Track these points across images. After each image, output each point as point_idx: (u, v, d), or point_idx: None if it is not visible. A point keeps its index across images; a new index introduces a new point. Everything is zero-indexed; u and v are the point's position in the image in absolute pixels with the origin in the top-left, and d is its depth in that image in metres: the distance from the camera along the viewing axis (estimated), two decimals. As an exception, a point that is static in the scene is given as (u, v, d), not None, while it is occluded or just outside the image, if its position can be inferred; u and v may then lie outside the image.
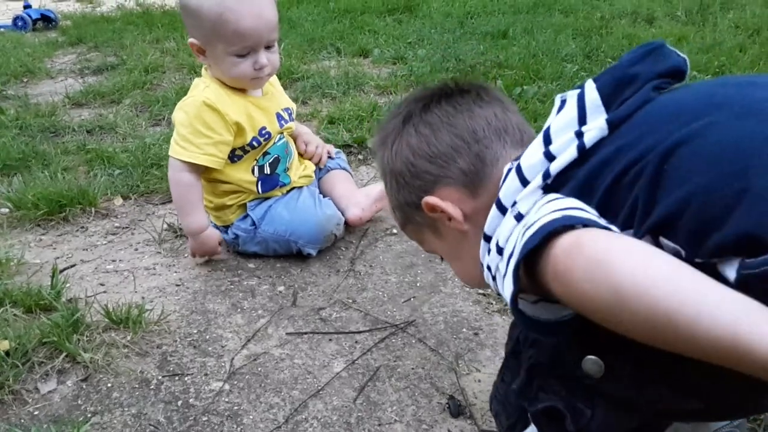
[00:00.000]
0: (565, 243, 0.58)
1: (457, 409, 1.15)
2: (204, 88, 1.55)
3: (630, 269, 0.53)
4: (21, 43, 4.19)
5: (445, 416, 1.14)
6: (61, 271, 1.55)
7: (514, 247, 0.64)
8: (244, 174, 1.62)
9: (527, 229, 0.62)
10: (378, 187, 1.78)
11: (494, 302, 1.45)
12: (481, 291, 1.48)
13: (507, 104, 0.88)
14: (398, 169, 0.86)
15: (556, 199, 0.66)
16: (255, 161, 1.62)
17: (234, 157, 1.59)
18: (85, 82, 3.28)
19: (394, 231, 1.75)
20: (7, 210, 1.85)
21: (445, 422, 1.13)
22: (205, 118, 1.50)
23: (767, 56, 3.26)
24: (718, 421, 0.92)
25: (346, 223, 1.68)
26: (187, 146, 1.51)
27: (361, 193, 1.77)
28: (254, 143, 1.59)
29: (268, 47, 1.54)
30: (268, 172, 1.65)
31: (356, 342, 1.33)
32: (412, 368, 1.26)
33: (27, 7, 4.85)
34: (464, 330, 1.36)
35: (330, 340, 1.34)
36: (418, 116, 0.85)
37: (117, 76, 3.29)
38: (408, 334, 1.35)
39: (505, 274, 0.65)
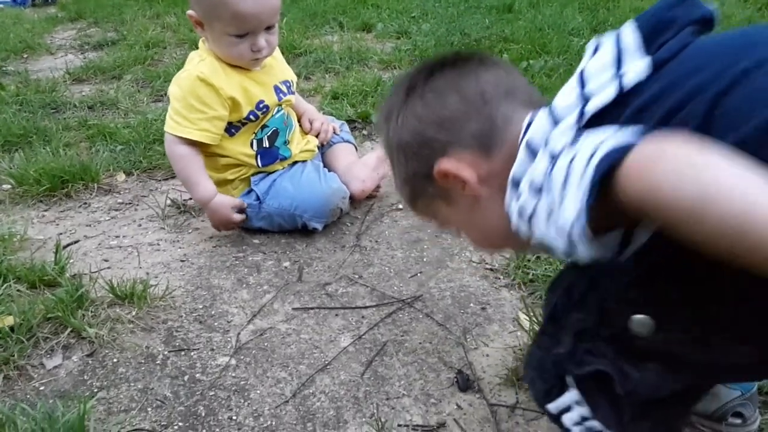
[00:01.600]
0: (646, 151, 0.56)
1: (465, 383, 1.14)
2: (199, 62, 1.53)
3: (718, 169, 0.52)
4: (20, 19, 4.15)
5: (453, 390, 1.13)
6: (65, 247, 1.54)
7: (566, 176, 0.61)
8: (242, 147, 1.60)
9: (593, 152, 0.59)
10: (374, 155, 1.77)
11: (501, 277, 1.43)
12: (488, 266, 1.47)
13: (511, 68, 0.86)
14: (405, 140, 0.84)
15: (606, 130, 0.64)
16: (254, 134, 1.61)
17: (232, 129, 1.58)
18: (86, 57, 3.25)
19: (400, 206, 1.74)
20: (9, 186, 1.84)
21: (454, 396, 1.12)
22: (199, 93, 1.48)
23: (777, 29, 3.21)
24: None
25: (351, 197, 1.66)
26: (181, 121, 1.49)
27: (359, 165, 1.75)
28: (251, 117, 1.57)
29: (267, 28, 1.51)
30: (267, 146, 1.63)
31: (363, 317, 1.32)
32: (420, 343, 1.25)
33: (26, -18, 4.80)
34: (472, 305, 1.35)
35: (336, 315, 1.33)
36: (422, 85, 0.82)
37: (117, 51, 3.26)
38: (415, 309, 1.34)
39: (552, 210, 0.63)
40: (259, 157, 1.62)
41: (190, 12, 1.50)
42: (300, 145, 1.72)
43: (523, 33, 3.19)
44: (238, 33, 1.47)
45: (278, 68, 1.67)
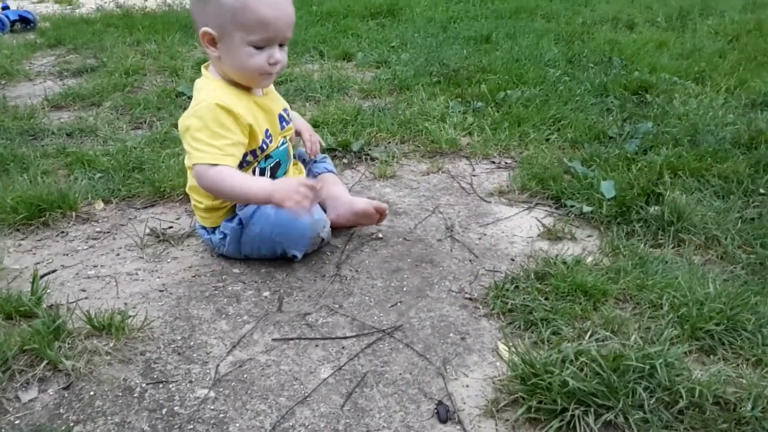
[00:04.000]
0: None
1: (445, 414, 1.14)
2: (212, 90, 1.51)
3: None
4: (-2, 45, 4.12)
5: (433, 422, 1.13)
6: (42, 277, 1.53)
7: None
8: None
9: None
10: (369, 205, 1.70)
11: (481, 307, 1.44)
12: (468, 295, 1.48)
13: None
14: None
15: None
16: (257, 164, 1.60)
17: (244, 162, 1.56)
18: (65, 84, 3.24)
19: (380, 235, 1.75)
20: (-15, 214, 1.81)
21: (434, 428, 1.12)
22: (221, 120, 1.46)
23: (747, 62, 3.31)
24: None
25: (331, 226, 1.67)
26: (208, 149, 1.46)
27: (345, 203, 1.72)
28: (263, 146, 1.57)
29: (281, 45, 1.52)
30: (269, 176, 1.62)
31: (343, 348, 1.32)
32: (400, 374, 1.25)
33: (5, 8, 4.77)
34: (451, 335, 1.36)
35: (317, 345, 1.33)
36: None
37: (97, 78, 3.25)
38: (395, 339, 1.34)
39: None
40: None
41: (204, 30, 1.47)
42: (292, 173, 1.72)
43: (501, 63, 3.24)
44: (258, 43, 1.46)
45: (276, 95, 1.68)
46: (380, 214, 1.72)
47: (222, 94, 1.50)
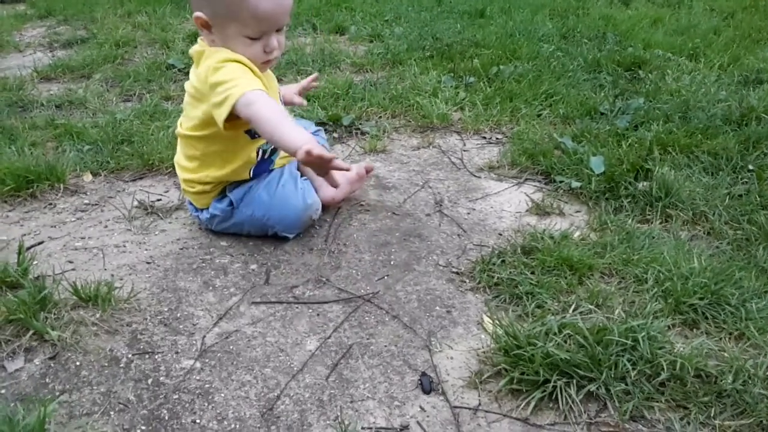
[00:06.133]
0: None
1: (429, 385, 1.15)
2: (229, 53, 1.45)
3: None
4: (-13, 16, 4.07)
5: (417, 393, 1.14)
6: (28, 249, 1.52)
7: None
8: (252, 153, 1.55)
9: None
10: (354, 168, 1.74)
11: (467, 280, 1.45)
12: (455, 269, 1.49)
13: None
14: None
15: None
16: (263, 142, 1.56)
17: (254, 132, 1.51)
18: (55, 56, 3.21)
19: (368, 209, 1.74)
20: (-27, 186, 1.81)
21: (417, 399, 1.13)
22: (248, 72, 1.43)
23: (741, 39, 3.29)
24: None
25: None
26: (244, 81, 1.38)
27: (337, 173, 1.74)
28: None
29: (278, 30, 1.48)
30: (266, 157, 1.60)
31: (329, 320, 1.33)
32: (385, 346, 1.26)
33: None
34: (437, 308, 1.36)
35: (302, 318, 1.33)
36: None
37: (87, 50, 3.22)
38: (382, 311, 1.35)
39: None
40: (253, 167, 1.58)
41: (197, 14, 1.44)
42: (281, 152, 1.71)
43: (494, 38, 3.22)
44: (255, 34, 1.43)
45: (273, 77, 1.65)
46: (367, 171, 1.79)
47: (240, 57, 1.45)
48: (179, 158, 1.61)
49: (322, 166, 1.32)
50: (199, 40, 1.54)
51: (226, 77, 1.39)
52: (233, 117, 1.40)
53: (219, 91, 1.39)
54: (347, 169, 1.35)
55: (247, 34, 1.43)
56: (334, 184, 1.42)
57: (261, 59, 1.48)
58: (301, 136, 1.32)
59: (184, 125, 1.55)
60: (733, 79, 2.70)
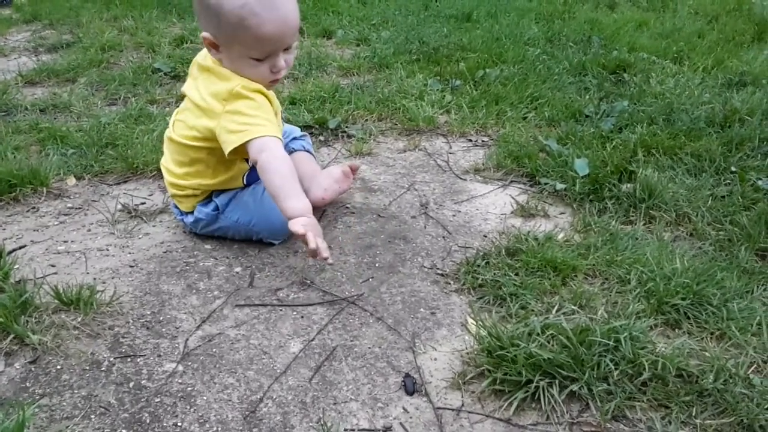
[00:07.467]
0: None
1: (412, 386, 1.15)
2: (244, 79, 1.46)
3: None
4: (-28, 20, 4.05)
5: (400, 394, 1.14)
6: (10, 252, 1.51)
7: None
8: (244, 164, 1.54)
9: None
10: (339, 168, 1.76)
11: (452, 282, 1.45)
12: (439, 271, 1.49)
13: None
14: None
15: None
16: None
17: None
18: (39, 60, 3.19)
19: (353, 211, 1.74)
20: (-46, 190, 1.79)
21: (401, 400, 1.13)
22: (266, 105, 1.46)
23: (725, 42, 3.32)
24: None
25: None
26: (268, 124, 1.41)
27: (323, 174, 1.75)
28: None
29: (286, 49, 1.46)
30: None
31: (313, 322, 1.32)
32: (369, 347, 1.26)
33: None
34: (422, 309, 1.36)
35: (286, 320, 1.33)
36: None
37: (72, 54, 3.21)
38: (366, 313, 1.34)
39: None
40: (246, 174, 1.58)
41: (205, 34, 1.42)
42: None
43: (481, 42, 3.23)
44: (260, 56, 1.42)
45: (274, 96, 1.63)
46: (353, 170, 1.80)
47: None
48: (167, 162, 1.60)
49: (304, 242, 1.33)
50: (204, 52, 1.51)
51: (249, 111, 1.41)
52: (240, 149, 1.40)
53: (237, 119, 1.40)
54: (325, 259, 1.32)
55: (253, 56, 1.42)
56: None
57: (268, 79, 1.47)
58: (300, 205, 1.36)
59: (178, 131, 1.54)
60: (716, 81, 2.72)
